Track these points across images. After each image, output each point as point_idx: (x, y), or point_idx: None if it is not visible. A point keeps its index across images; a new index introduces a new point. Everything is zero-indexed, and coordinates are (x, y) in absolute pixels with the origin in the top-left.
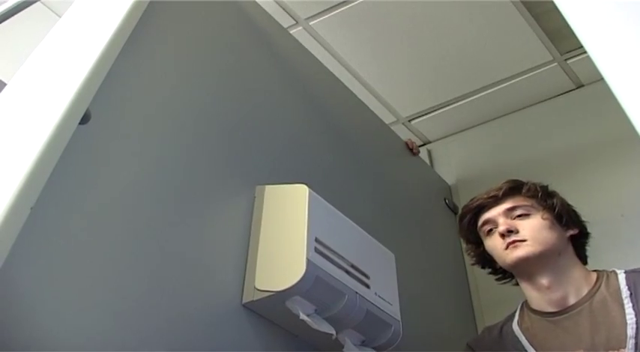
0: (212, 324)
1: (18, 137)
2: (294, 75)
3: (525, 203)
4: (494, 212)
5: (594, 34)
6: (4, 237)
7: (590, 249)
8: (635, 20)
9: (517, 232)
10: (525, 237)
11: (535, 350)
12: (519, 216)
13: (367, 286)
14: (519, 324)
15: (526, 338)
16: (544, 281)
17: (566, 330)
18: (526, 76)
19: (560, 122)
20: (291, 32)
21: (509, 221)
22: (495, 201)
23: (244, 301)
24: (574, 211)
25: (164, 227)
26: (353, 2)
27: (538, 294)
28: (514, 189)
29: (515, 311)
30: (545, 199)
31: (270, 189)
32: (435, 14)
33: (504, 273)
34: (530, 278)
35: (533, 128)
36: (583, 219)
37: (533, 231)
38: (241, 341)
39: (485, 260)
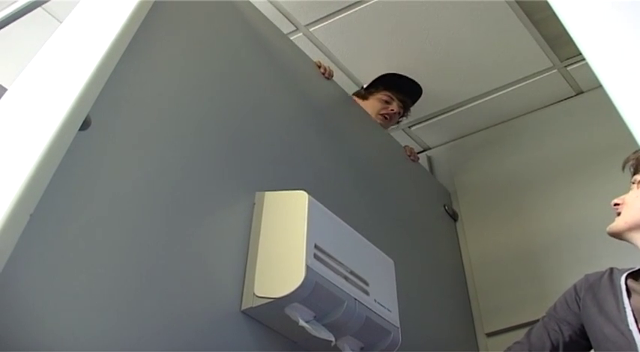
0: (211, 330)
1: (18, 143)
2: (295, 81)
3: None
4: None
5: (593, 41)
6: (2, 244)
7: (588, 256)
8: (633, 27)
9: (623, 204)
10: (621, 210)
11: (630, 307)
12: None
13: (366, 293)
14: (629, 277)
15: (626, 291)
16: None
17: None
18: (526, 82)
19: (559, 128)
20: (291, 38)
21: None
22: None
23: (243, 307)
24: None
25: (163, 233)
26: (353, 9)
27: None
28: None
29: None
30: None
31: (269, 196)
32: (434, 20)
33: None
34: None
35: (532, 134)
36: None
37: (626, 203)
38: (240, 348)
39: None
